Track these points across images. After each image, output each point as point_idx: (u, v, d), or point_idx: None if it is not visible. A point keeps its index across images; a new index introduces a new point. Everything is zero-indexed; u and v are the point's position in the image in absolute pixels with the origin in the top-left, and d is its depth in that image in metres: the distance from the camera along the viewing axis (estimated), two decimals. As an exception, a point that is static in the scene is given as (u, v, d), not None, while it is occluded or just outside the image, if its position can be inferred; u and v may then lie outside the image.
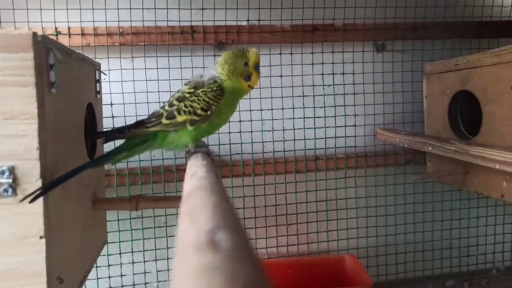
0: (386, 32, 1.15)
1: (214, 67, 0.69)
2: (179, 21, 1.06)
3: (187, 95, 0.66)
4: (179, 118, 0.65)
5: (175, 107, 0.66)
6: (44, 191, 0.50)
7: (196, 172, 0.42)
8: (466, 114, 1.04)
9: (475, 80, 0.93)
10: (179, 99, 0.67)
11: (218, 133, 1.10)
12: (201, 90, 0.66)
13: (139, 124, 0.68)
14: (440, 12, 1.18)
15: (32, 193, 0.49)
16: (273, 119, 1.14)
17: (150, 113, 0.71)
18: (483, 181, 0.93)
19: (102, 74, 0.86)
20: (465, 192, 1.23)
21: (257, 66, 0.67)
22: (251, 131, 1.13)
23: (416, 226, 1.24)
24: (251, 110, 1.13)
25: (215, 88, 0.65)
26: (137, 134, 0.68)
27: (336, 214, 1.20)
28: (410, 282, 1.24)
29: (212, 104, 0.65)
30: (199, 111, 0.65)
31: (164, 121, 0.66)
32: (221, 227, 0.19)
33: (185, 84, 0.69)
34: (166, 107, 0.67)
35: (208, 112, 0.65)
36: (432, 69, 1.08)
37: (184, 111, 0.65)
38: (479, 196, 1.24)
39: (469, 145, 0.84)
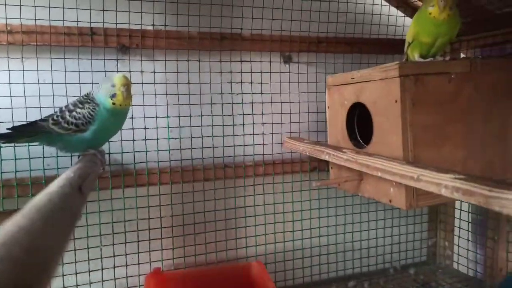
0: (292, 44, 1.19)
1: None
2: (77, 21, 1.00)
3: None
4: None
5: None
6: None
7: (50, 185, 0.38)
8: (363, 124, 1.11)
9: (367, 93, 1.00)
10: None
11: (121, 140, 1.05)
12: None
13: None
14: (341, 28, 1.26)
15: None
16: (180, 127, 1.12)
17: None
18: (374, 187, 0.99)
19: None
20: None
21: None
22: (157, 139, 1.10)
23: (321, 230, 1.30)
24: (157, 117, 1.10)
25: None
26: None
27: (245, 221, 1.21)
28: (315, 285, 1.29)
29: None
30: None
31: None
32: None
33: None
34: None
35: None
36: (333, 81, 1.14)
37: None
38: (375, 201, 1.34)
39: (358, 154, 0.89)
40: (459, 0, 1.07)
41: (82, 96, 0.83)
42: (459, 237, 1.37)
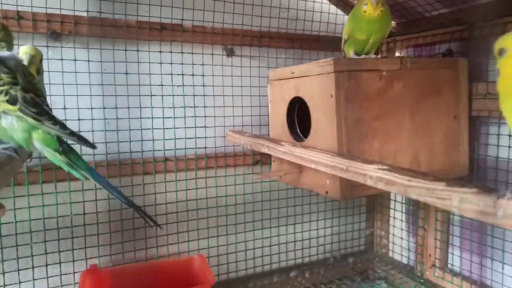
0: (234, 38, 1.19)
1: None
2: (1, 3, 0.93)
3: None
4: None
5: None
6: None
7: None
8: (303, 118, 1.13)
9: (305, 87, 1.02)
10: None
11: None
12: None
13: None
14: (283, 23, 1.27)
15: None
16: (118, 119, 1.09)
17: None
18: (312, 179, 1.02)
19: None
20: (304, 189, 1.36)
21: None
22: (93, 131, 1.06)
23: (263, 223, 1.32)
24: (92, 108, 1.05)
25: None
26: None
27: (187, 215, 1.20)
28: (258, 277, 1.31)
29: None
30: None
31: None
32: None
33: None
34: None
35: None
36: (274, 76, 1.15)
37: None
38: (316, 194, 1.38)
39: (295, 146, 0.91)
40: (393, 1, 1.13)
41: None
42: (394, 226, 1.45)
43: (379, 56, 1.01)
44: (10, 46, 0.76)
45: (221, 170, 1.23)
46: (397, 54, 1.36)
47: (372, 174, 0.65)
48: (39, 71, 0.78)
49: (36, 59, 0.77)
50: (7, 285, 0.99)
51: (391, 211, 1.46)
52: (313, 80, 0.98)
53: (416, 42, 1.27)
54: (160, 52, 1.12)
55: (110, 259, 1.11)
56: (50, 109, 0.66)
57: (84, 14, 1.02)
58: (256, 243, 1.31)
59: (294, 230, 1.38)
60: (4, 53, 0.67)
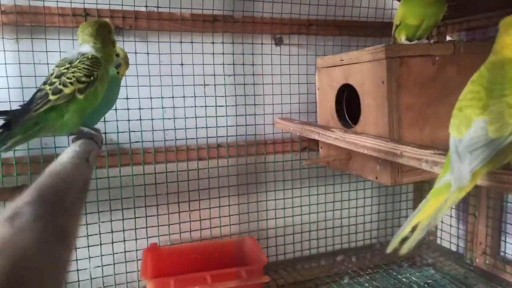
0: (283, 27, 1.22)
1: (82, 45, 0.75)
2: (71, 2, 1.01)
3: (65, 71, 0.69)
4: (67, 90, 0.67)
5: (57, 83, 0.67)
6: None
7: (60, 157, 0.42)
8: (352, 105, 1.15)
9: (355, 74, 1.03)
10: (58, 77, 0.69)
11: (116, 120, 1.08)
12: (77, 61, 0.70)
13: (24, 111, 0.67)
14: (331, 10, 1.28)
15: None
16: (174, 107, 1.15)
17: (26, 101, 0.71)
18: (361, 165, 1.04)
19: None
20: (352, 175, 1.37)
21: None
22: (152, 119, 1.13)
23: (310, 207, 1.35)
24: (151, 98, 1.12)
25: (90, 57, 0.71)
26: (26, 122, 0.67)
27: (238, 199, 1.25)
28: (305, 259, 1.35)
29: (93, 70, 0.69)
30: (83, 78, 0.68)
31: (52, 97, 0.67)
32: (28, 204, 0.21)
33: (56, 66, 0.72)
34: (47, 87, 0.68)
35: (92, 78, 0.69)
36: (322, 63, 1.17)
37: (70, 83, 0.67)
38: (363, 180, 1.39)
39: (346, 133, 0.93)
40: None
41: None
42: (442, 213, 1.43)
43: (432, 41, 1.00)
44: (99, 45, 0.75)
45: (270, 156, 1.27)
46: (447, 38, 1.33)
47: (428, 158, 0.66)
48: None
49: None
50: (79, 259, 1.10)
51: (440, 198, 1.44)
52: (364, 67, 0.99)
53: (468, 25, 1.24)
54: (213, 43, 1.17)
55: (169, 238, 1.19)
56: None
57: (143, 9, 1.08)
58: (303, 227, 1.35)
59: (340, 216, 1.40)
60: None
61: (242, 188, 1.26)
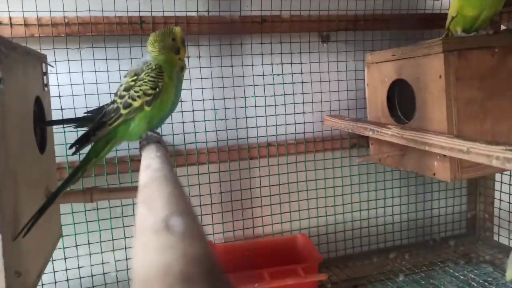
0: (330, 24, 1.21)
1: (146, 53, 0.78)
2: (127, 11, 1.06)
3: (132, 83, 0.72)
4: (135, 104, 0.71)
5: (127, 96, 0.72)
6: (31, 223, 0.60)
7: (150, 164, 0.44)
8: (404, 100, 1.13)
9: (409, 69, 1.01)
10: (126, 89, 0.72)
11: (171, 123, 1.12)
12: (143, 74, 0.72)
13: (100, 125, 0.72)
14: (378, 5, 1.26)
15: (23, 228, 0.58)
16: (225, 108, 1.18)
17: (99, 106, 0.79)
18: (417, 161, 1.02)
19: (49, 66, 0.85)
20: (403, 171, 1.35)
21: (183, 41, 0.78)
22: (204, 120, 1.16)
23: (361, 204, 1.34)
24: (203, 100, 1.15)
25: (154, 68, 0.73)
26: (102, 135, 0.72)
27: (288, 196, 1.27)
28: (357, 257, 1.34)
29: (158, 81, 0.72)
30: (149, 91, 0.71)
31: (123, 111, 0.71)
32: (174, 213, 0.23)
33: (125, 76, 0.76)
34: (118, 100, 0.72)
35: (157, 90, 0.71)
36: (372, 59, 1.16)
37: (138, 96, 0.71)
38: (415, 176, 1.36)
39: (404, 129, 0.92)
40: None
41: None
42: (500, 209, 1.38)
43: (491, 32, 0.96)
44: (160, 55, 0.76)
45: (320, 154, 1.27)
46: (502, 27, 1.27)
47: (499, 155, 0.65)
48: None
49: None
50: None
51: (496, 193, 1.39)
52: (419, 62, 0.97)
53: (526, 12, 1.18)
54: (261, 43, 1.18)
55: (223, 236, 1.22)
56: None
57: (194, 14, 1.11)
58: (354, 224, 1.35)
59: (392, 212, 1.38)
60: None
61: (292, 186, 1.26)
